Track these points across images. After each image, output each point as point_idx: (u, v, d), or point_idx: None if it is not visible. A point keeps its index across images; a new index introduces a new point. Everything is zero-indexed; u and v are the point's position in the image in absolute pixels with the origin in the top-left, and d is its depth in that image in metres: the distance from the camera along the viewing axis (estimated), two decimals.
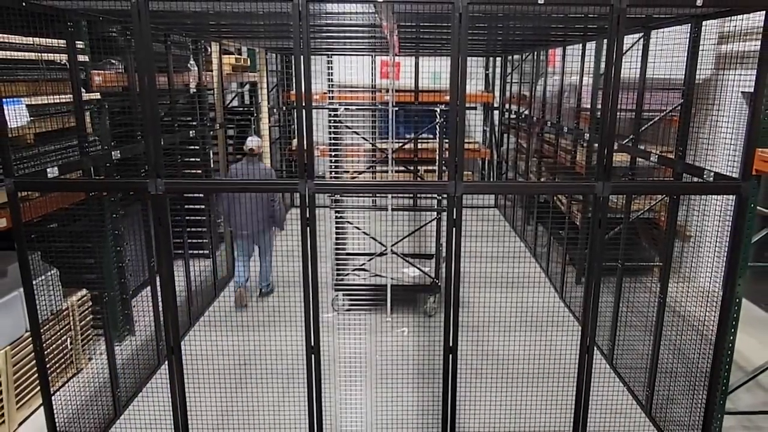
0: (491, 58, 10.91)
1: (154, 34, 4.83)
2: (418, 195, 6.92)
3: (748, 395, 4.50)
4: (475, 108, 11.33)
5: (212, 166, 6.56)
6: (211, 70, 6.57)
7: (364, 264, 6.02)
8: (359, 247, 6.07)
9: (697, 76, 3.90)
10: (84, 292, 4.74)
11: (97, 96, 4.53)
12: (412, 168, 8.22)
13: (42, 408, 3.42)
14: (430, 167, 9.20)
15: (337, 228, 5.89)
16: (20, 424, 4.06)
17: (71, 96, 3.74)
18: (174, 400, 3.29)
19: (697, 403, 3.59)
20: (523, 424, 4.01)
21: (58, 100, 3.76)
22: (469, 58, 2.93)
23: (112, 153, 4.10)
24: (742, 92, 5.63)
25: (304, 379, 3.25)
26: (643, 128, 4.59)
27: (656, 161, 4.06)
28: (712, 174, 3.27)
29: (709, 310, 3.53)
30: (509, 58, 10.05)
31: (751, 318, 5.84)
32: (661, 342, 4.07)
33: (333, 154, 6.03)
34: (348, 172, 6.87)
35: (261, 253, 6.31)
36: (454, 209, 2.99)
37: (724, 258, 3.30)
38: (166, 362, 3.26)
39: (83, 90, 4.00)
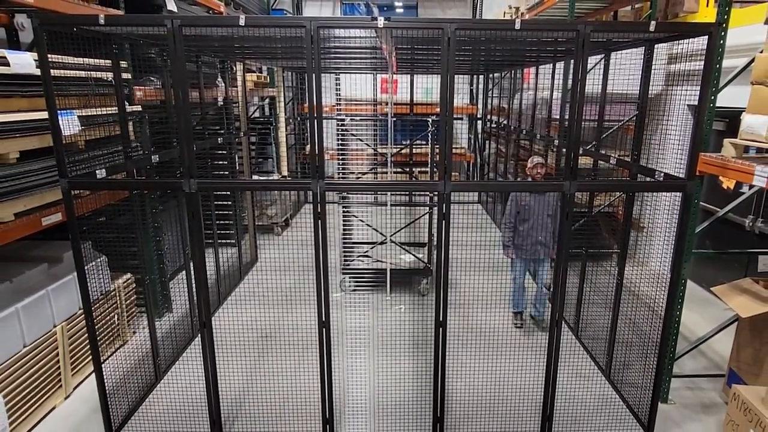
0: (475, 76, 10.87)
1: (187, 55, 4.82)
2: (413, 192, 6.91)
3: (691, 361, 4.53)
4: (461, 118, 11.31)
5: (237, 168, 6.54)
6: (236, 86, 6.55)
7: (367, 251, 6.03)
8: (363, 236, 6.07)
9: (650, 91, 3.89)
10: (129, 275, 4.75)
11: (138, 108, 4.52)
12: (407, 169, 8.22)
13: (93, 374, 3.44)
14: (423, 169, 9.17)
15: (344, 221, 5.90)
16: (75, 388, 4.08)
17: (116, 108, 3.73)
18: (206, 367, 3.30)
19: (649, 368, 3.61)
20: (502, 386, 4.03)
21: (105, 112, 3.75)
22: (456, 76, 2.93)
23: (152, 157, 4.09)
24: (687, 105, 5.63)
25: (317, 349, 3.26)
26: (604, 135, 4.58)
27: (615, 163, 4.06)
28: (662, 174, 3.27)
29: (659, 290, 3.54)
30: (490, 75, 10.03)
31: (695, 296, 5.86)
32: (618, 317, 4.08)
33: (340, 157, 6.02)
34: (353, 173, 6.87)
35: (539, 268, 4.91)
36: (444, 204, 2.99)
37: (672, 245, 3.31)
38: (199, 335, 3.27)
39: (126, 103, 3.99)
